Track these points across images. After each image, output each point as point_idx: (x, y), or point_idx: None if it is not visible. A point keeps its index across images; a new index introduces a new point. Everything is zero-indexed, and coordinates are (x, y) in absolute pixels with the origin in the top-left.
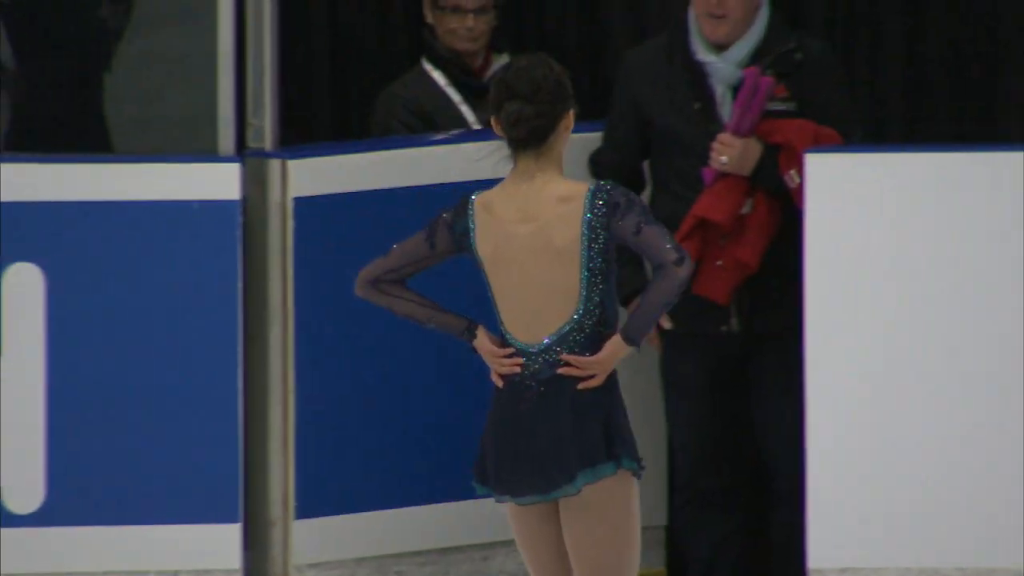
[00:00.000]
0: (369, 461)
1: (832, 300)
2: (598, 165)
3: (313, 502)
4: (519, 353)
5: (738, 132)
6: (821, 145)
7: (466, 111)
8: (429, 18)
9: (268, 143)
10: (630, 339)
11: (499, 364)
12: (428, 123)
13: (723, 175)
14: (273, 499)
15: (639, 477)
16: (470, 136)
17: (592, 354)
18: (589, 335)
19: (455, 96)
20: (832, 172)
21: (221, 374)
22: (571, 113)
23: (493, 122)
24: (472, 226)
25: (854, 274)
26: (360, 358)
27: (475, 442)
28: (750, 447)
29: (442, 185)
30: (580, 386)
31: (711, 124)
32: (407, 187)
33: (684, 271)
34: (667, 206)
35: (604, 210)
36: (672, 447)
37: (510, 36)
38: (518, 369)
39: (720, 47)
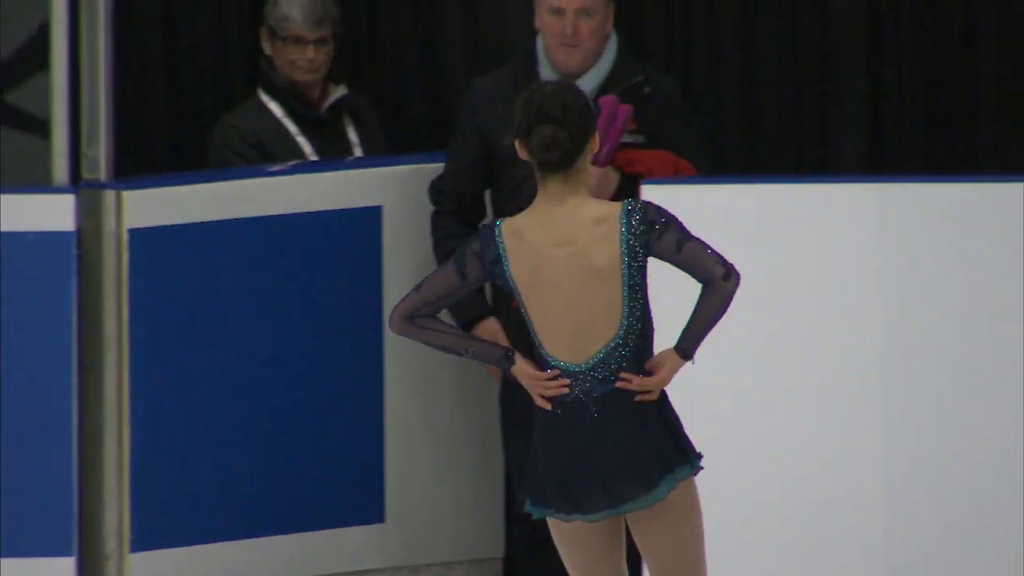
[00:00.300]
0: (206, 493)
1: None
2: (440, 193)
3: (149, 535)
4: (565, 374)
5: (595, 161)
6: (680, 175)
7: (303, 142)
8: (267, 49)
9: (103, 174)
10: (686, 354)
11: (544, 388)
12: (264, 154)
13: None
14: (108, 532)
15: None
16: (307, 167)
17: (639, 366)
18: (633, 349)
19: (292, 127)
20: (670, 202)
21: (56, 405)
22: (596, 136)
23: (518, 145)
24: (503, 253)
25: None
26: (196, 389)
27: (311, 473)
28: None
29: (280, 216)
30: (637, 399)
31: None
32: (244, 218)
33: (732, 284)
34: None
35: (642, 228)
36: (509, 477)
37: (348, 67)
38: (565, 390)
39: (570, 76)
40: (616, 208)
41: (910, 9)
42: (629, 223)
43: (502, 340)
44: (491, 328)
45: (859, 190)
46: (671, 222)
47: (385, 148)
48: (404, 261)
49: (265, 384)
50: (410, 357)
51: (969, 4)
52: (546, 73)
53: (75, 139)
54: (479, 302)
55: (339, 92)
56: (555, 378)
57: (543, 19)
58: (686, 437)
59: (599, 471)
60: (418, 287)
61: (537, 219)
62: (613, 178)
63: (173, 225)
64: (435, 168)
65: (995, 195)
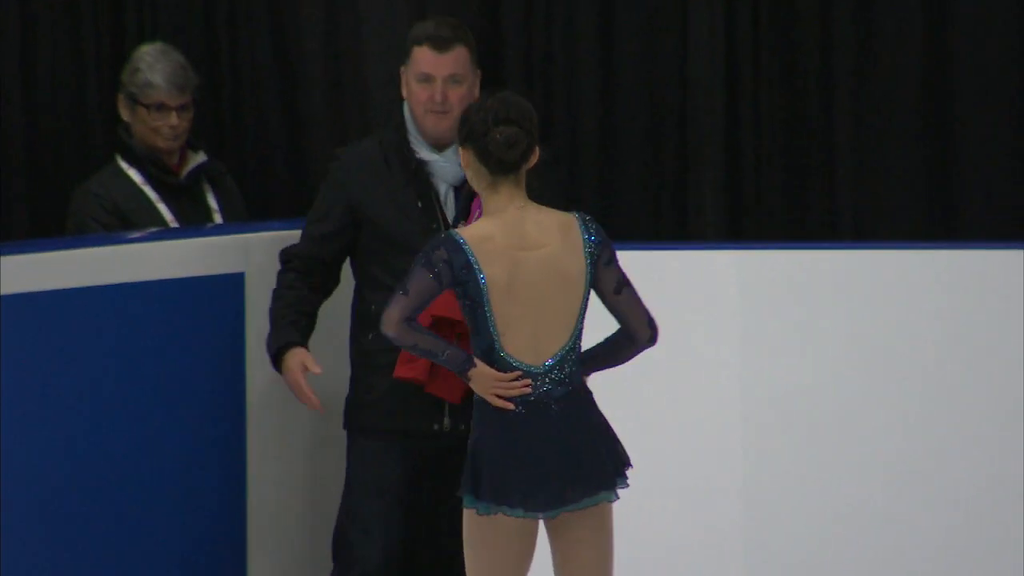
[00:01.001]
0: (76, 563)
1: None
2: (292, 256)
3: None
4: (526, 375)
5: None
6: None
7: (163, 209)
8: (125, 116)
9: None
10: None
11: (507, 388)
12: (124, 221)
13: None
14: None
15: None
16: (167, 234)
17: (580, 374)
18: (578, 354)
19: (152, 194)
20: None
21: None
22: (537, 148)
23: (463, 153)
24: (473, 258)
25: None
26: (62, 457)
27: (175, 543)
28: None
29: (140, 283)
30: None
31: (432, 222)
32: (105, 285)
33: (650, 345)
34: (382, 306)
35: (598, 241)
36: (344, 541)
37: (210, 133)
38: (528, 390)
39: (441, 146)
40: (572, 218)
41: (767, 74)
42: (588, 235)
43: (311, 366)
44: (300, 355)
45: (721, 256)
46: (614, 255)
47: (245, 214)
48: (267, 327)
49: (130, 452)
50: (272, 425)
51: (827, 71)
52: (416, 142)
53: None
54: (291, 332)
55: (198, 159)
56: (518, 379)
57: (411, 87)
58: (625, 453)
59: (550, 470)
60: (404, 292)
61: (499, 223)
62: None
63: (34, 292)
64: (297, 234)
65: (857, 262)
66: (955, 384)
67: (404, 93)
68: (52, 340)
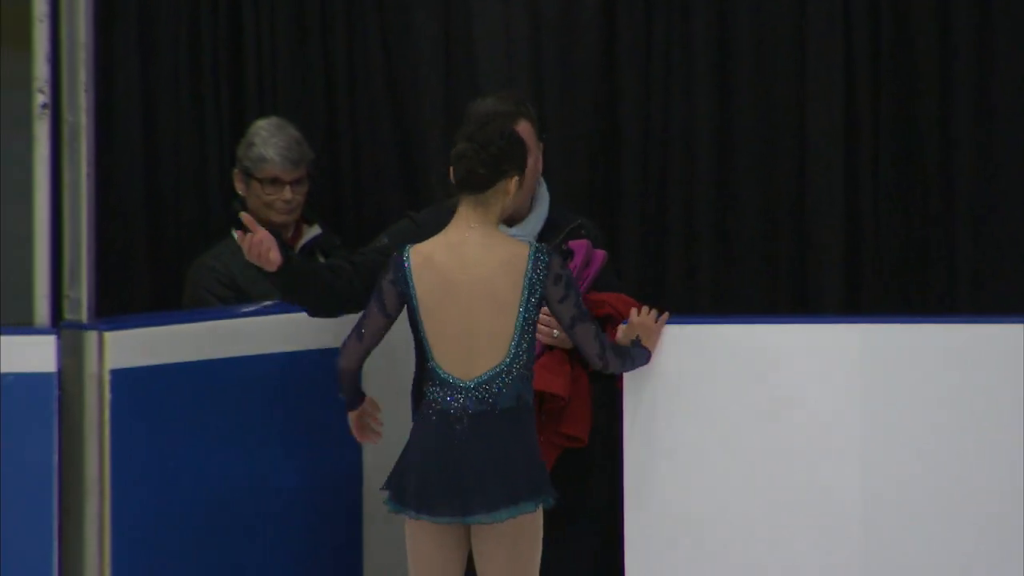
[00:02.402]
0: None
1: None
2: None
3: None
4: (452, 387)
5: None
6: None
7: None
8: (241, 190)
9: (84, 315)
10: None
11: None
12: (239, 294)
13: (548, 348)
14: None
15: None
16: (281, 307)
17: (517, 395)
18: (516, 377)
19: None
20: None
21: (36, 549)
22: (516, 179)
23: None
24: (409, 275)
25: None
26: (178, 533)
27: None
28: None
29: (256, 357)
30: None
31: None
32: (222, 359)
33: (605, 369)
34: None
35: (544, 274)
36: None
37: (325, 206)
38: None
39: (512, 220)
40: (525, 248)
41: (886, 151)
42: (535, 265)
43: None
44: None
45: (842, 330)
46: (571, 293)
47: None
48: (379, 398)
49: (249, 526)
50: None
51: (946, 142)
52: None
53: (56, 280)
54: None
55: (313, 232)
56: (445, 389)
57: None
58: (544, 476)
59: (453, 481)
60: (359, 335)
61: (447, 243)
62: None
63: (154, 365)
64: None
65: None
66: None
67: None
68: (166, 413)
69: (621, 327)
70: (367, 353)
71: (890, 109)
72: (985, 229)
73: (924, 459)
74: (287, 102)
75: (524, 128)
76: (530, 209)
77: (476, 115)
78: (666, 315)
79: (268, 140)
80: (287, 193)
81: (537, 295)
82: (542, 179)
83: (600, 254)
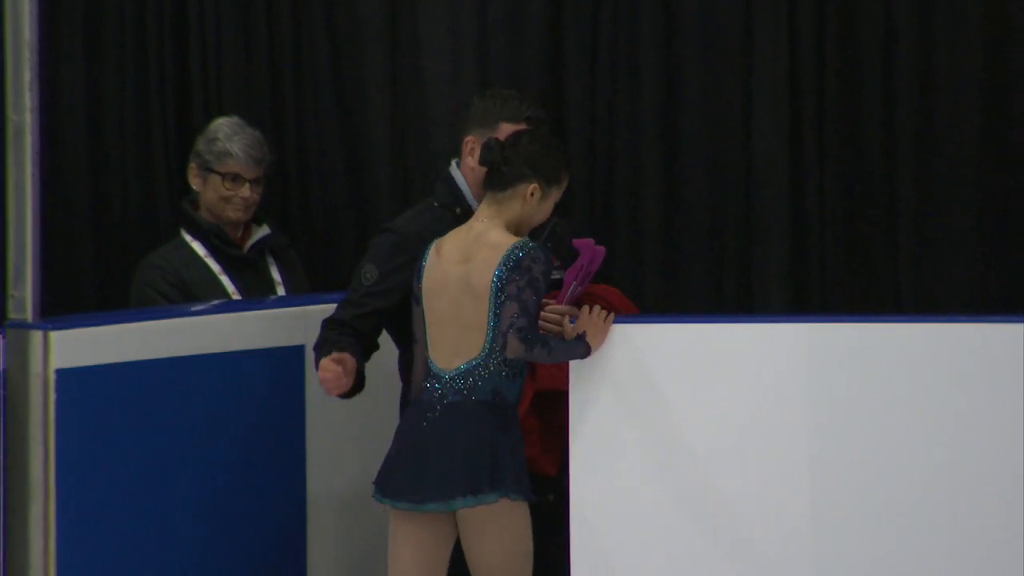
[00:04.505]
0: None
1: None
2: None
3: None
4: (434, 376)
5: (570, 302)
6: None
7: (226, 281)
8: (197, 185)
9: (29, 314)
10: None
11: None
12: (188, 293)
13: None
14: None
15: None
16: (230, 306)
17: (493, 390)
18: (493, 373)
19: (215, 266)
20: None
21: None
22: (534, 186)
23: None
24: (423, 264)
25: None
26: (123, 534)
27: None
28: None
29: (204, 356)
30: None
31: None
32: (168, 358)
33: (510, 350)
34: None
35: (511, 264)
36: None
37: (273, 208)
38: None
39: None
40: (511, 241)
41: (831, 147)
42: (509, 256)
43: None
44: None
45: (788, 329)
46: (523, 278)
47: (308, 287)
48: (327, 400)
49: (194, 526)
50: (334, 496)
51: (889, 138)
52: (473, 203)
53: (1, 279)
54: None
55: (262, 232)
56: (428, 379)
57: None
58: (513, 473)
59: (415, 468)
60: (416, 340)
61: (457, 235)
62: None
63: (100, 365)
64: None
65: (930, 336)
66: (1014, 453)
67: (469, 161)
68: (112, 413)
69: (567, 323)
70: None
71: (834, 108)
72: (928, 230)
73: (872, 458)
74: (233, 101)
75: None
76: None
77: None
78: (612, 315)
79: (232, 136)
80: (246, 191)
81: (507, 289)
82: None
83: (601, 250)
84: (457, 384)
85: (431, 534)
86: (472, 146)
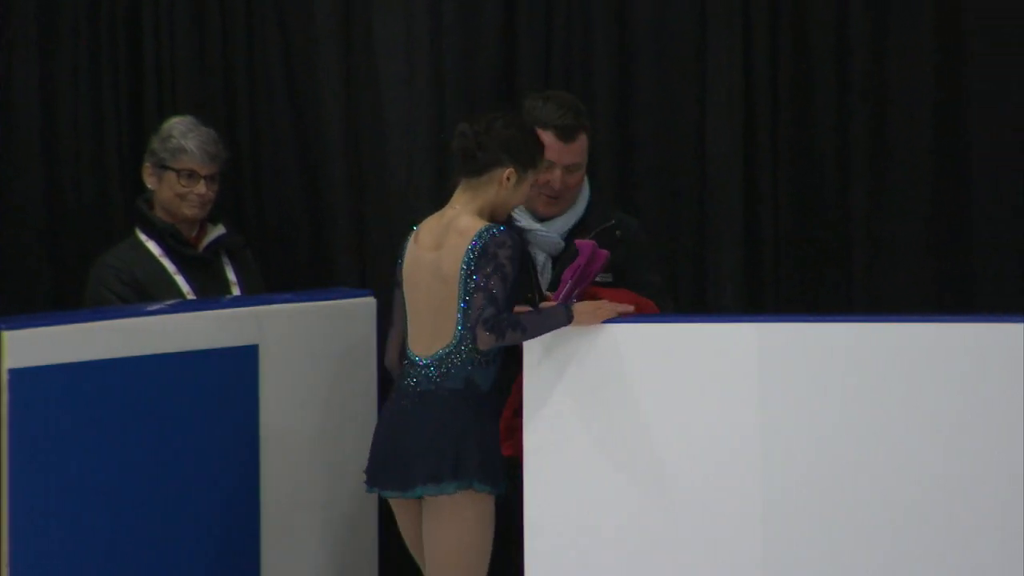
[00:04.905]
0: None
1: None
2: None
3: None
4: (411, 364)
5: (567, 301)
6: (641, 314)
7: (181, 281)
8: (152, 184)
9: None
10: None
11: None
12: (142, 293)
13: None
14: None
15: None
16: (184, 306)
17: (465, 378)
18: (465, 360)
19: (170, 266)
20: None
21: None
22: (510, 171)
23: None
24: (402, 255)
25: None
26: (76, 533)
27: None
28: None
29: (158, 356)
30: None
31: (527, 291)
32: (123, 358)
33: (480, 343)
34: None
35: (479, 251)
36: None
37: (228, 208)
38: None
39: (543, 218)
40: (479, 226)
41: (784, 151)
42: (476, 243)
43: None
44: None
45: (741, 329)
46: (489, 265)
47: (263, 287)
48: (280, 399)
49: (147, 526)
50: (288, 496)
51: (842, 146)
52: (519, 212)
53: None
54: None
55: (217, 231)
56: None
57: None
58: (479, 463)
59: (384, 454)
60: (392, 323)
61: (432, 221)
62: None
63: (54, 365)
64: (313, 307)
65: (880, 335)
66: (969, 456)
67: None
68: (65, 413)
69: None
70: (399, 336)
71: (788, 116)
72: (880, 237)
73: (823, 457)
74: (186, 100)
75: (582, 141)
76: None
77: (504, 111)
78: (605, 305)
79: (187, 133)
80: (201, 187)
81: (467, 278)
82: (586, 181)
83: (603, 254)
84: (431, 372)
85: (416, 518)
86: None
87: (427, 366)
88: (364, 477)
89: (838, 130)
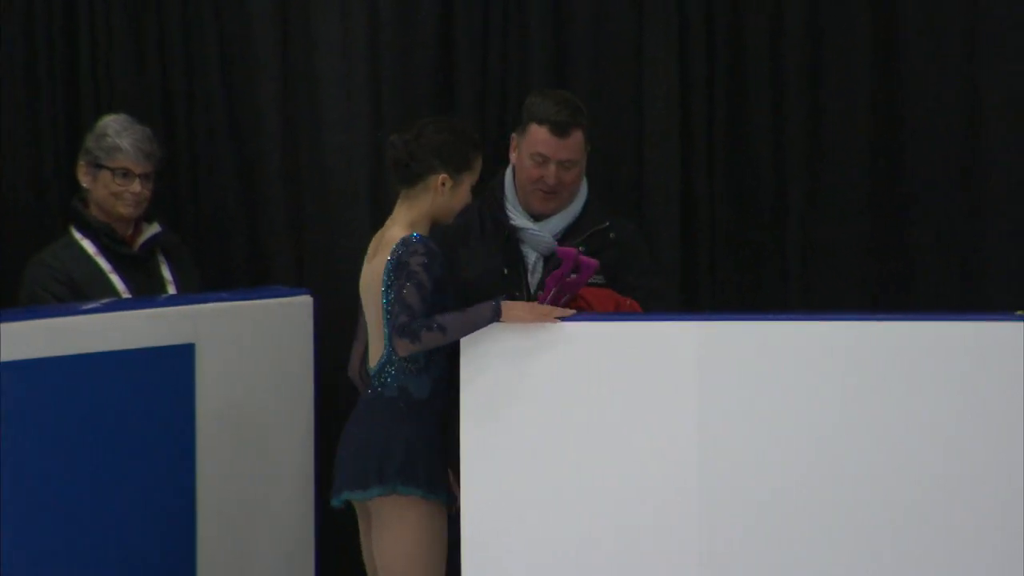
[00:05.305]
0: None
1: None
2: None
3: None
4: (368, 375)
5: (541, 300)
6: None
7: (116, 280)
8: (86, 182)
9: None
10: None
11: (548, 311)
12: (77, 292)
13: None
14: None
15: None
16: (120, 305)
17: (401, 387)
18: (399, 369)
19: (105, 265)
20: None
21: None
22: (443, 176)
23: None
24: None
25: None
26: (12, 532)
27: None
28: None
29: (93, 355)
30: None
31: (516, 290)
32: (57, 357)
33: (398, 349)
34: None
35: (394, 261)
36: None
37: (164, 207)
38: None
39: (538, 217)
40: (400, 236)
41: (721, 148)
42: (391, 257)
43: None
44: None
45: (678, 328)
46: (402, 275)
47: (199, 285)
48: (217, 398)
49: (76, 525)
50: (223, 495)
51: (778, 147)
52: (512, 210)
53: None
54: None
55: (152, 230)
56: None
57: (523, 160)
58: (403, 469)
59: (338, 460)
60: (356, 335)
61: (376, 235)
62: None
63: None
64: (249, 306)
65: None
66: (906, 454)
67: (512, 158)
68: (1, 412)
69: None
70: (361, 343)
71: (724, 117)
72: (816, 239)
73: (760, 455)
74: (122, 99)
75: (577, 137)
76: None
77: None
78: (545, 308)
79: (122, 132)
80: (136, 186)
81: (395, 287)
82: (585, 182)
83: (591, 264)
84: (374, 382)
85: (367, 524)
86: (514, 143)
87: (374, 376)
88: (302, 476)
89: (774, 131)
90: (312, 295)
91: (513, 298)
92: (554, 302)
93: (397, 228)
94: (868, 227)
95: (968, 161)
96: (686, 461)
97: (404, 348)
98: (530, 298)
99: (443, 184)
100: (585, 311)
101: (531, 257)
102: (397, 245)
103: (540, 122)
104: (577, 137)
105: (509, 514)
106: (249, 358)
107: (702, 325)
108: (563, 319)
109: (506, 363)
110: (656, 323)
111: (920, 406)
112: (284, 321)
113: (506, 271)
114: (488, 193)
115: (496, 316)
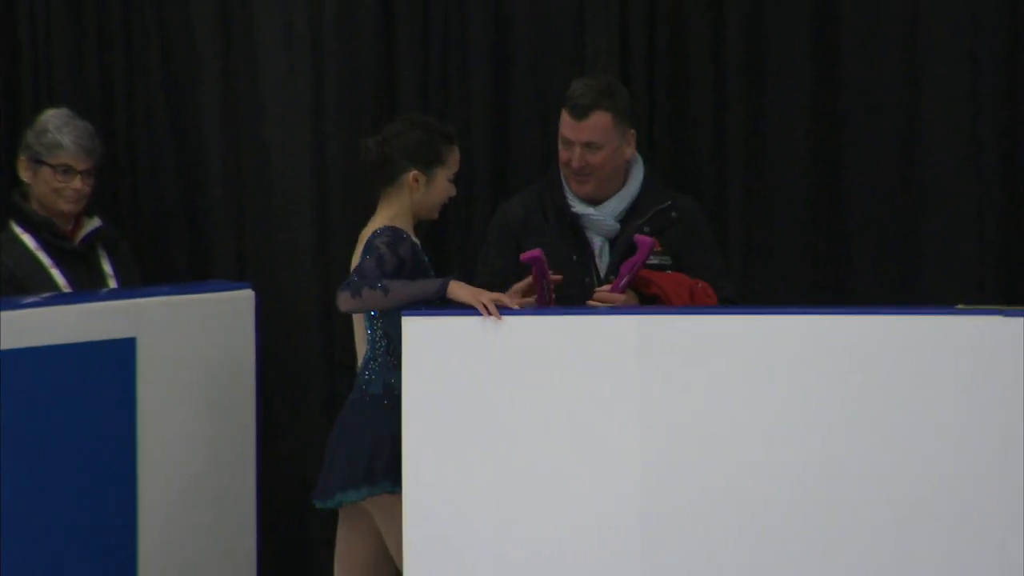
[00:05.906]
0: None
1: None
2: None
3: None
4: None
5: (614, 288)
6: (696, 298)
7: (57, 274)
8: (27, 178)
9: None
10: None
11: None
12: (17, 286)
13: None
14: None
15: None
16: (60, 299)
17: (386, 382)
18: (382, 365)
19: (46, 259)
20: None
21: None
22: (415, 173)
23: None
24: None
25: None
26: None
27: None
28: None
29: (33, 349)
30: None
31: (586, 276)
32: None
33: (339, 303)
34: None
35: (364, 248)
36: None
37: (104, 201)
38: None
39: (591, 203)
40: (373, 229)
41: (662, 143)
42: (364, 250)
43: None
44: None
45: (620, 322)
46: (368, 256)
47: (139, 280)
48: (158, 392)
49: (17, 520)
50: (163, 493)
51: (719, 152)
52: (571, 197)
53: None
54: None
55: (93, 224)
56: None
57: (559, 146)
58: (387, 468)
59: (323, 464)
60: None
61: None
62: (632, 300)
63: None
64: (190, 300)
65: (761, 328)
66: (844, 445)
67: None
68: None
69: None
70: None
71: (664, 117)
72: (756, 239)
73: (702, 450)
74: (62, 94)
75: (598, 120)
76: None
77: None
78: (489, 295)
79: (62, 128)
80: (77, 182)
81: None
82: (639, 160)
83: (647, 241)
84: (359, 379)
85: (348, 528)
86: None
87: (359, 374)
88: (242, 470)
89: (715, 131)
90: (253, 289)
91: (583, 284)
92: (624, 288)
93: (371, 226)
94: (809, 226)
95: (906, 164)
96: (628, 453)
97: (344, 302)
98: (600, 281)
99: (416, 181)
100: (660, 299)
101: (596, 242)
102: (370, 236)
103: (564, 103)
104: (599, 119)
105: (451, 509)
106: (190, 352)
107: (643, 319)
108: (505, 312)
109: (447, 356)
110: (597, 316)
111: (863, 402)
112: (226, 315)
113: (575, 258)
114: (546, 181)
115: (442, 292)
